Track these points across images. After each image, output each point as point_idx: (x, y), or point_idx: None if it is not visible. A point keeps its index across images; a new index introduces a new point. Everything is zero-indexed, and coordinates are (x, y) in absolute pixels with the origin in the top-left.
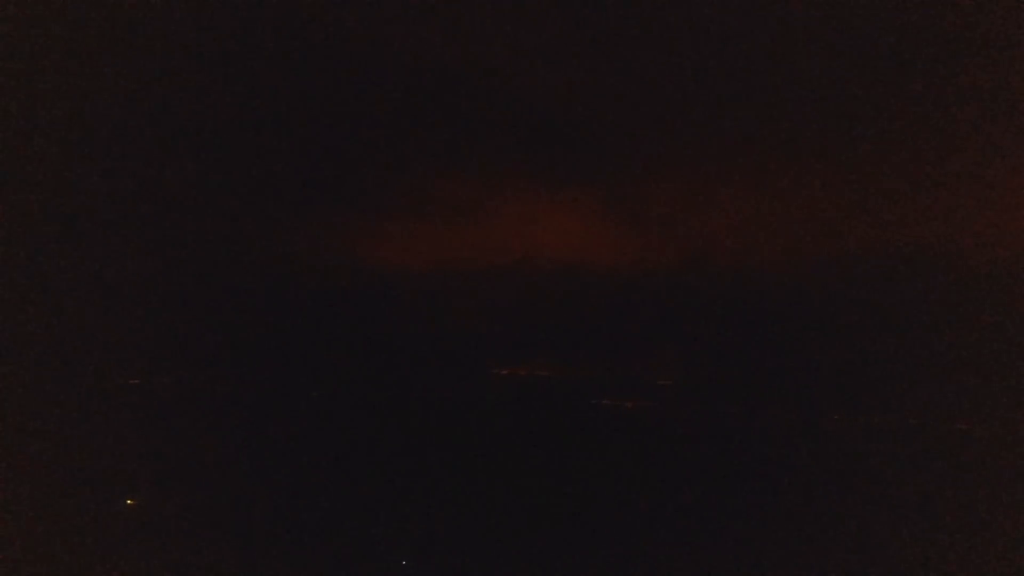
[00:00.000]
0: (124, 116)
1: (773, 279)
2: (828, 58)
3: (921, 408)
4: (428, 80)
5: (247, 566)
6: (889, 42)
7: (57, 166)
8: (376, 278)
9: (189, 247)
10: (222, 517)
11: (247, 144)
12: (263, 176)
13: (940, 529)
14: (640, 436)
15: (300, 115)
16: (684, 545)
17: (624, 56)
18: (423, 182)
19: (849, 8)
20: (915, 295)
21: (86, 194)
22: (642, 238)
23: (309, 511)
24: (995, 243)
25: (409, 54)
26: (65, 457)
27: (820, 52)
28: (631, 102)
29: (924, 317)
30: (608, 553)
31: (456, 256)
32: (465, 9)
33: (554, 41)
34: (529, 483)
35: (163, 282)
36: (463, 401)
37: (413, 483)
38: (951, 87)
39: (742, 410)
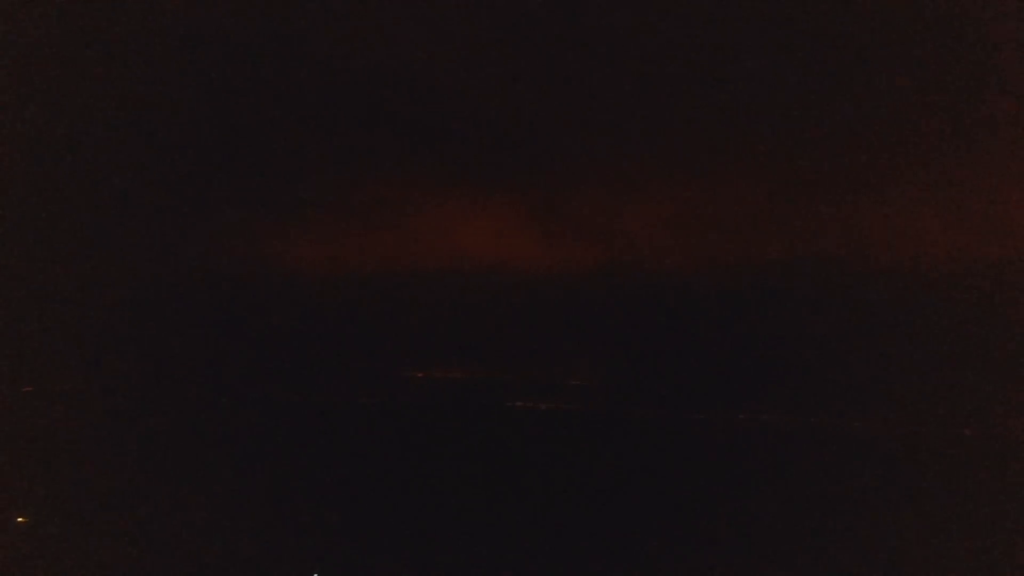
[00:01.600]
0: (23, 118)
1: (690, 283)
2: (745, 65)
3: (829, 408)
4: (348, 81)
5: None
6: (804, 51)
7: None
8: (290, 280)
9: (92, 249)
10: (120, 532)
11: (157, 144)
12: (173, 177)
13: (842, 527)
14: (553, 437)
15: (212, 115)
16: (598, 548)
17: (546, 59)
18: (341, 184)
19: (764, 15)
20: (826, 300)
21: None
22: (561, 241)
23: (208, 522)
24: (901, 251)
25: (329, 54)
26: None
27: (737, 58)
28: (553, 106)
29: (834, 322)
30: (523, 556)
31: (373, 259)
32: (387, 9)
33: (477, 43)
34: (441, 485)
35: (61, 286)
36: (376, 404)
37: (322, 488)
38: (865, 96)
39: (657, 411)
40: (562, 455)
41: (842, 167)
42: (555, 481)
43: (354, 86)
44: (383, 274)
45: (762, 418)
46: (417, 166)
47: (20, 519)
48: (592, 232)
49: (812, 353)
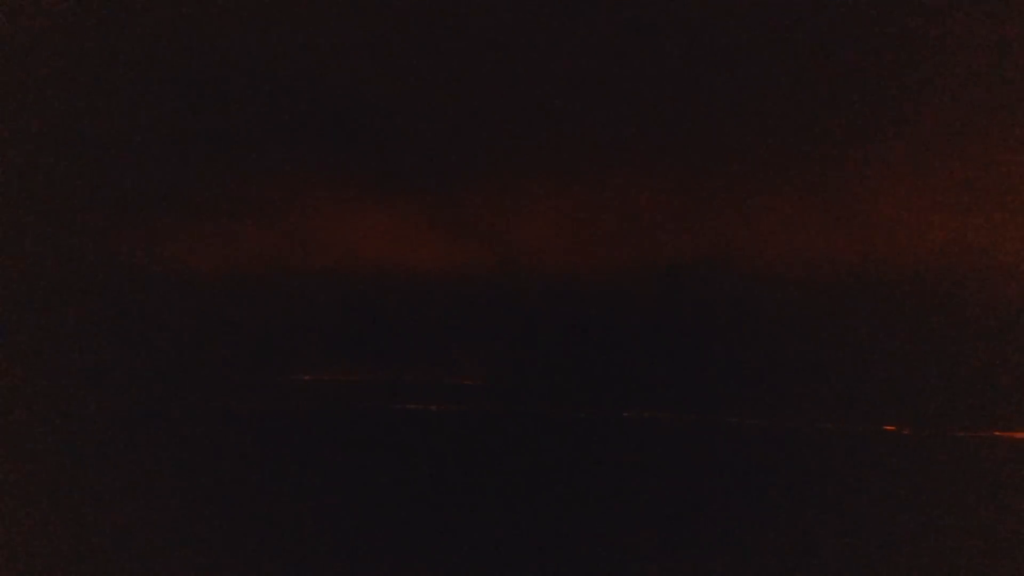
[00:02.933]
0: None
1: (581, 283)
2: (632, 68)
3: (713, 405)
4: (238, 78)
5: None
6: (685, 55)
7: None
8: (176, 281)
9: None
10: None
11: (43, 141)
12: (59, 176)
13: (725, 522)
14: (444, 439)
15: (100, 112)
16: (490, 550)
17: (440, 58)
18: (225, 182)
19: (646, 19)
20: (726, 301)
21: None
22: (454, 241)
23: (82, 527)
24: (779, 252)
25: (219, 51)
26: None
27: (624, 61)
28: (450, 105)
29: (720, 322)
30: (415, 560)
31: (258, 258)
32: (277, 5)
33: (370, 41)
34: (328, 494)
35: None
36: (260, 410)
37: (205, 499)
38: (747, 100)
39: (547, 410)
40: (453, 457)
41: (729, 170)
42: (446, 484)
43: (244, 83)
44: (269, 275)
45: (647, 416)
46: (306, 165)
47: None
48: (485, 232)
49: (697, 352)
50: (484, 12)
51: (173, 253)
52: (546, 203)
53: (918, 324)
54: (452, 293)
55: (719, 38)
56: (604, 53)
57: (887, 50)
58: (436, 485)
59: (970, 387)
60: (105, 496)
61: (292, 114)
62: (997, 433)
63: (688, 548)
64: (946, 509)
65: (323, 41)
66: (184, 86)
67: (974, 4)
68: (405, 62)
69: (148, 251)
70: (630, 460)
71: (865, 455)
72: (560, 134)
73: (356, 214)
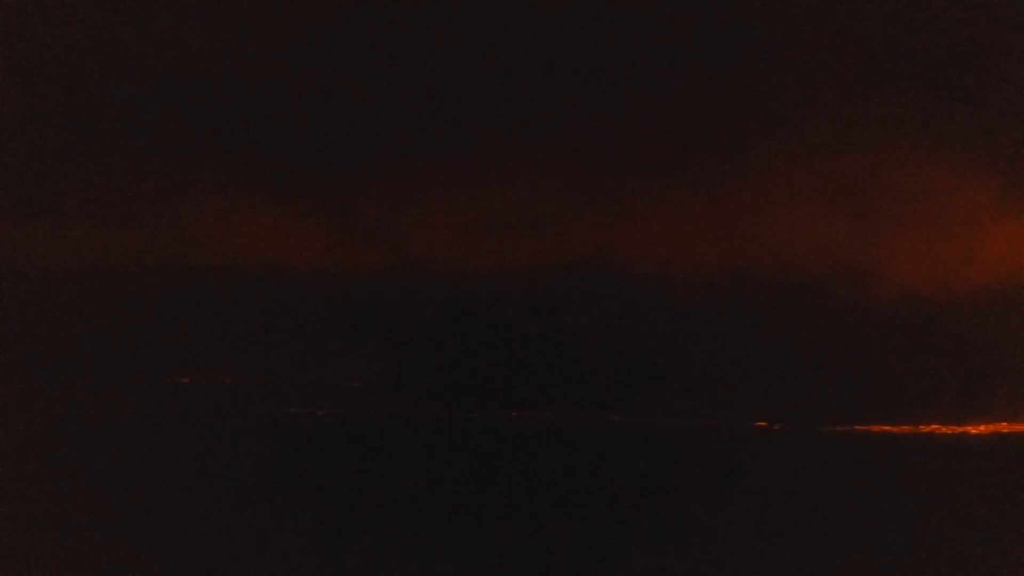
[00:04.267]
0: None
1: (474, 285)
2: (520, 73)
3: (611, 404)
4: (124, 77)
5: None
6: (598, 59)
7: None
8: (49, 282)
9: None
10: None
11: None
12: None
13: (597, 516)
14: (328, 443)
15: None
16: (382, 552)
17: (334, 60)
18: (108, 182)
19: (554, 20)
20: (609, 302)
21: None
22: (340, 243)
23: None
24: (686, 258)
25: (97, 49)
26: None
27: (529, 62)
28: (340, 107)
29: (616, 322)
30: (301, 562)
31: (141, 259)
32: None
33: (259, 39)
34: (206, 501)
35: None
36: (136, 415)
37: (81, 501)
38: (653, 106)
39: (433, 412)
40: (338, 461)
41: (613, 176)
42: (331, 488)
43: (128, 85)
44: (148, 275)
45: (532, 415)
46: (192, 166)
47: None
48: (374, 234)
49: (580, 352)
50: (374, 16)
51: (48, 255)
52: (436, 206)
53: (787, 325)
54: (340, 295)
55: (606, 45)
56: (493, 58)
57: (764, 65)
58: (316, 491)
59: (835, 385)
60: None
61: (177, 115)
62: (858, 428)
63: (566, 543)
64: (812, 499)
65: (208, 42)
66: (66, 88)
67: (847, 22)
68: (295, 63)
69: (23, 253)
70: (513, 459)
71: (738, 450)
72: (451, 138)
73: (242, 215)
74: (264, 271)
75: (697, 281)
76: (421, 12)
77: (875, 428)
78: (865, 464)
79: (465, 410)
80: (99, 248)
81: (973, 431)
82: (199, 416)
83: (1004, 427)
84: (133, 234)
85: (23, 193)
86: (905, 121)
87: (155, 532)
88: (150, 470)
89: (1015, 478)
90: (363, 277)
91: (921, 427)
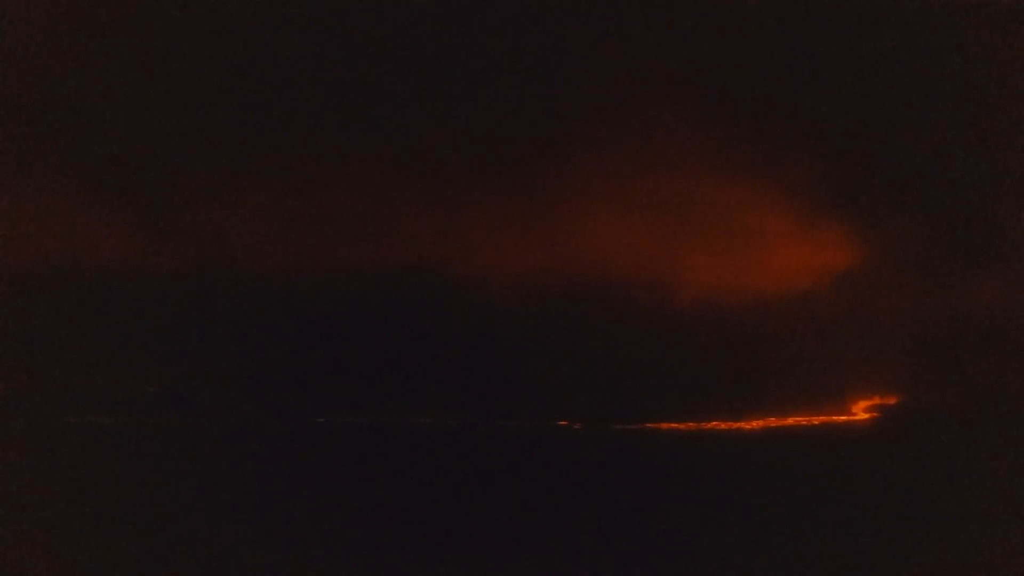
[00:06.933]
0: None
1: (291, 285)
2: (351, 73)
3: (419, 407)
4: None
5: None
6: (412, 63)
7: None
8: None
9: None
10: None
11: None
12: None
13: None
14: (114, 453)
15: None
16: (169, 554)
17: (156, 59)
18: None
19: (371, 28)
20: (433, 303)
21: None
22: (155, 241)
23: None
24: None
25: None
26: None
27: (344, 66)
28: (147, 99)
29: (437, 324)
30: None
31: None
32: None
33: (79, 39)
34: None
35: None
36: None
37: None
38: (476, 112)
39: (229, 417)
40: (124, 472)
41: (436, 180)
42: (114, 497)
43: None
44: None
45: (338, 421)
46: None
47: None
48: (183, 233)
49: (390, 356)
50: (201, 18)
51: None
52: (251, 205)
53: (592, 329)
54: (144, 296)
55: (426, 50)
56: (316, 58)
57: (589, 87)
58: (99, 500)
59: (631, 385)
60: None
61: None
62: (650, 426)
63: (371, 544)
64: (610, 496)
65: (21, 39)
66: None
67: (663, 55)
68: (115, 61)
69: None
70: (317, 466)
71: (542, 448)
72: (271, 140)
73: (48, 213)
74: (59, 272)
75: (510, 286)
76: (243, 10)
77: (664, 426)
78: (655, 458)
79: (268, 416)
80: None
81: (747, 426)
82: None
83: (773, 422)
84: None
85: None
86: (705, 147)
87: None
88: None
89: (785, 467)
90: (169, 278)
91: (703, 424)
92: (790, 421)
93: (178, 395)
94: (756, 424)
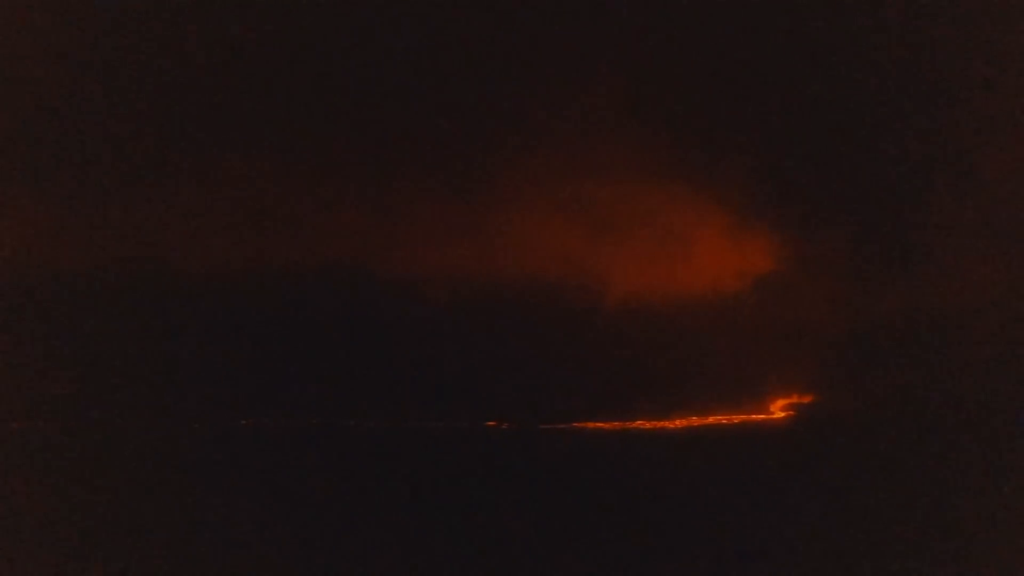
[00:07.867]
0: None
1: (210, 283)
2: (293, 65)
3: (353, 409)
4: None
5: None
6: (366, 55)
7: None
8: None
9: None
10: None
11: None
12: None
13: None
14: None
15: None
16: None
17: (64, 53)
18: None
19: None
20: (361, 304)
21: None
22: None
23: None
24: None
25: None
26: None
27: (285, 57)
28: (69, 93)
29: (366, 325)
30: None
31: None
32: None
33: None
34: None
35: None
36: None
37: None
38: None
39: (143, 422)
40: (39, 477)
41: (364, 179)
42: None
43: None
44: None
45: (259, 423)
46: None
47: None
48: (96, 229)
49: (315, 357)
50: (131, 16)
51: None
52: (185, 207)
53: (521, 330)
54: (51, 293)
55: (360, 52)
56: (243, 54)
57: (522, 83)
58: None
59: (558, 385)
60: None
61: None
62: (577, 425)
63: (293, 547)
64: (538, 495)
65: None
66: None
67: (597, 62)
68: (27, 57)
69: None
70: (236, 470)
71: (471, 448)
72: (205, 138)
73: None
74: None
75: (438, 287)
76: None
77: (590, 425)
78: (582, 457)
79: (185, 419)
80: None
81: (671, 425)
82: None
83: (696, 420)
84: None
85: None
86: (637, 152)
87: None
88: None
89: (706, 464)
90: (82, 275)
91: (628, 423)
92: (711, 420)
93: (86, 397)
94: (680, 423)
